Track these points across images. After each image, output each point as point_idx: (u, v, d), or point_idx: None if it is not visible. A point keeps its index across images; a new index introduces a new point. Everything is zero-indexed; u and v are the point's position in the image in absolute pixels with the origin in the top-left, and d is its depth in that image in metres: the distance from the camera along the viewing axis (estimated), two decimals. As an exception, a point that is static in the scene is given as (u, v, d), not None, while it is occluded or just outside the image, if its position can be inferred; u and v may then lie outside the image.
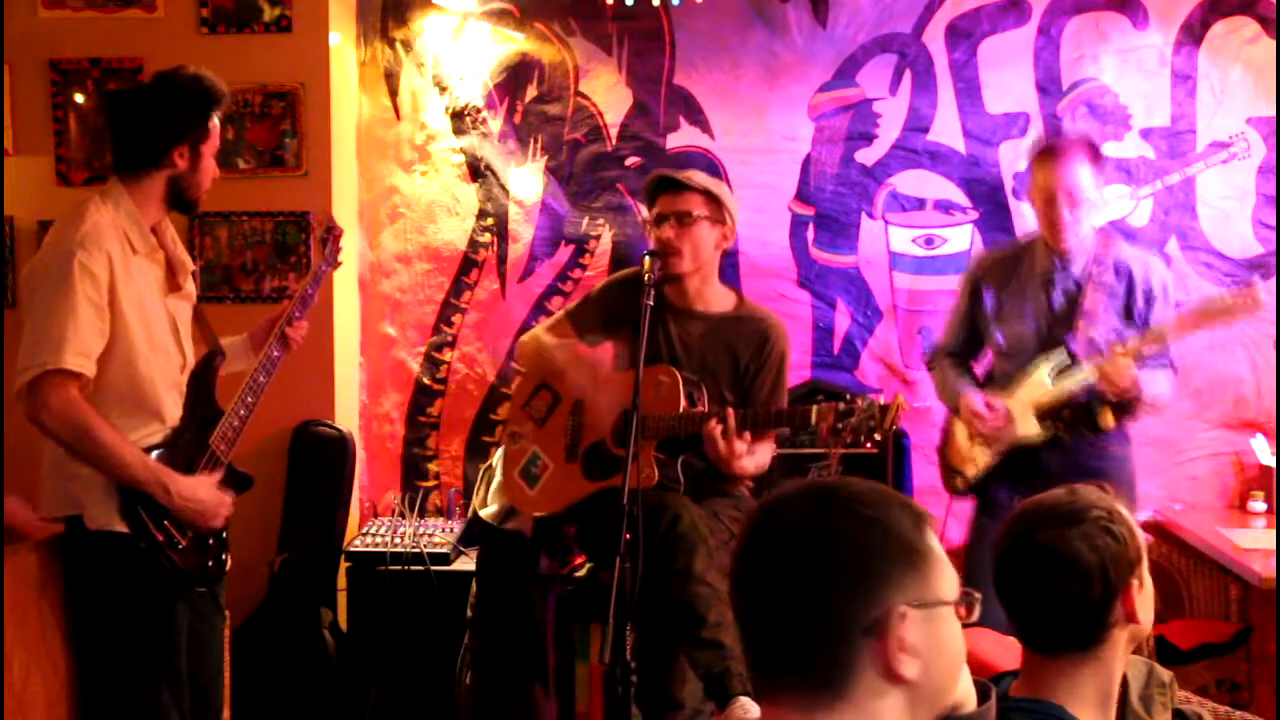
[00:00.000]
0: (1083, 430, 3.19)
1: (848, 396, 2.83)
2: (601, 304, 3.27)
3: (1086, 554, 1.61)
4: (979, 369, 3.45)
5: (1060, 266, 3.22)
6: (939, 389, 3.44)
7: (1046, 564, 1.62)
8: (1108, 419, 3.17)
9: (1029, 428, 3.20)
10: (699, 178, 3.13)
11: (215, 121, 2.62)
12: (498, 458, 3.60)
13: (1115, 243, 3.28)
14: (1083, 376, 3.13)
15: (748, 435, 2.92)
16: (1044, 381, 3.18)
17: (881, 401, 2.77)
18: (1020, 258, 3.32)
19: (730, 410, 2.92)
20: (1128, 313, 3.21)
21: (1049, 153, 3.16)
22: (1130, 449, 3.31)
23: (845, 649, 1.16)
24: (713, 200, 3.10)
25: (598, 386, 3.10)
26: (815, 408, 2.84)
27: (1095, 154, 3.17)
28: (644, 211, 3.38)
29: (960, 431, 3.35)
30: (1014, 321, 3.27)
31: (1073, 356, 3.17)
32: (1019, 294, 3.27)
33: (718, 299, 3.20)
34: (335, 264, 3.04)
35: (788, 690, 1.18)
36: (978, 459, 3.30)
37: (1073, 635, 1.64)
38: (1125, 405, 3.18)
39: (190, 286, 2.74)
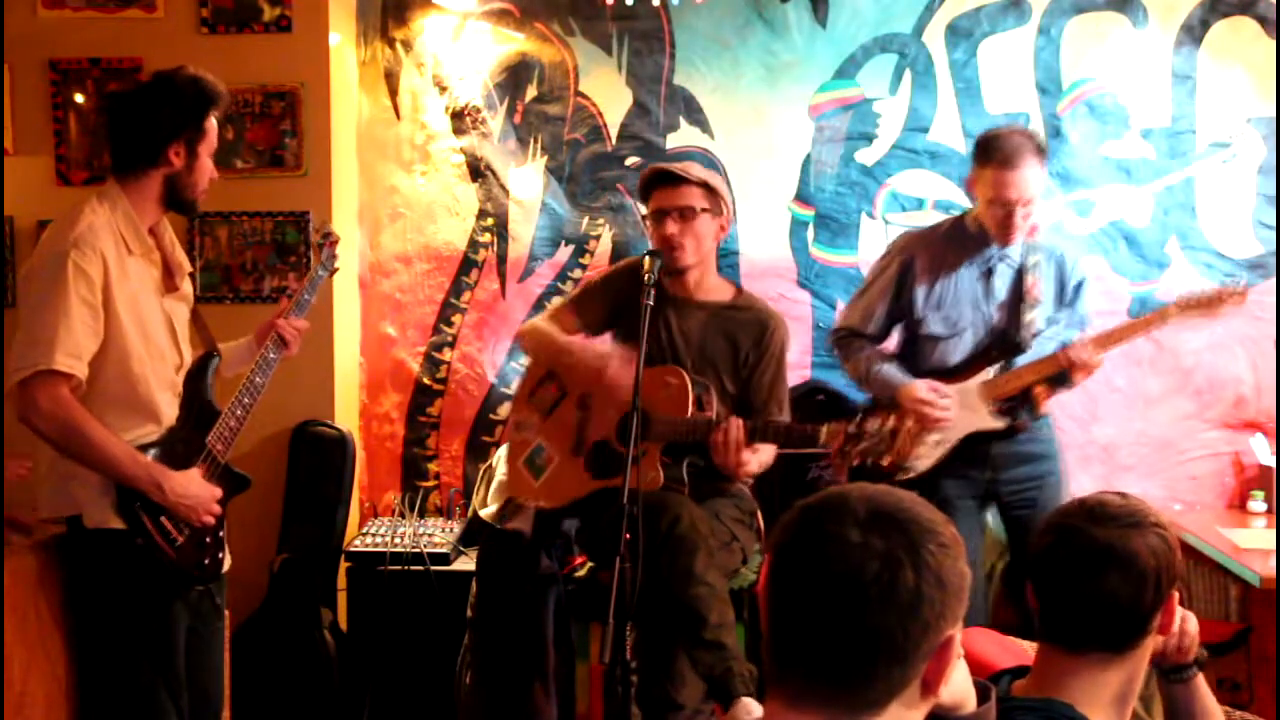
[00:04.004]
0: (1022, 417, 3.23)
1: (857, 419, 2.80)
2: (603, 293, 3.27)
3: (1148, 556, 1.62)
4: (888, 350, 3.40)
5: (999, 253, 3.22)
6: (859, 375, 3.33)
7: (1106, 562, 1.61)
8: (1044, 404, 3.22)
9: (986, 420, 3.20)
10: (696, 170, 3.15)
11: (213, 122, 2.62)
12: (498, 457, 3.60)
13: (1040, 228, 3.30)
14: (1041, 365, 3.15)
15: (756, 445, 2.92)
16: (990, 372, 3.19)
17: (891, 425, 2.76)
18: (953, 241, 3.29)
19: (738, 422, 2.91)
20: (1059, 298, 3.26)
21: (999, 159, 3.09)
22: (1055, 432, 3.37)
23: (901, 674, 1.16)
24: (710, 192, 3.12)
25: (604, 381, 3.08)
26: (825, 428, 2.84)
27: (1040, 150, 3.15)
28: (641, 209, 3.39)
29: (902, 422, 3.29)
30: (950, 307, 3.25)
31: (1017, 345, 3.18)
32: (954, 279, 3.25)
33: (717, 290, 3.22)
34: (332, 270, 3.04)
35: (821, 702, 1.16)
36: (925, 452, 3.22)
37: (1112, 635, 1.64)
38: (1057, 387, 3.22)
39: (187, 288, 2.74)
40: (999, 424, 3.20)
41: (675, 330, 3.13)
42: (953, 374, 3.23)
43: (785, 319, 3.26)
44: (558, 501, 3.12)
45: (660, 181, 3.13)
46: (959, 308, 3.24)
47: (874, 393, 3.32)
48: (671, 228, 3.08)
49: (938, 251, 3.28)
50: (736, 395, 3.15)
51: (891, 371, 3.27)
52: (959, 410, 3.17)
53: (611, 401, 3.06)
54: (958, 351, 3.24)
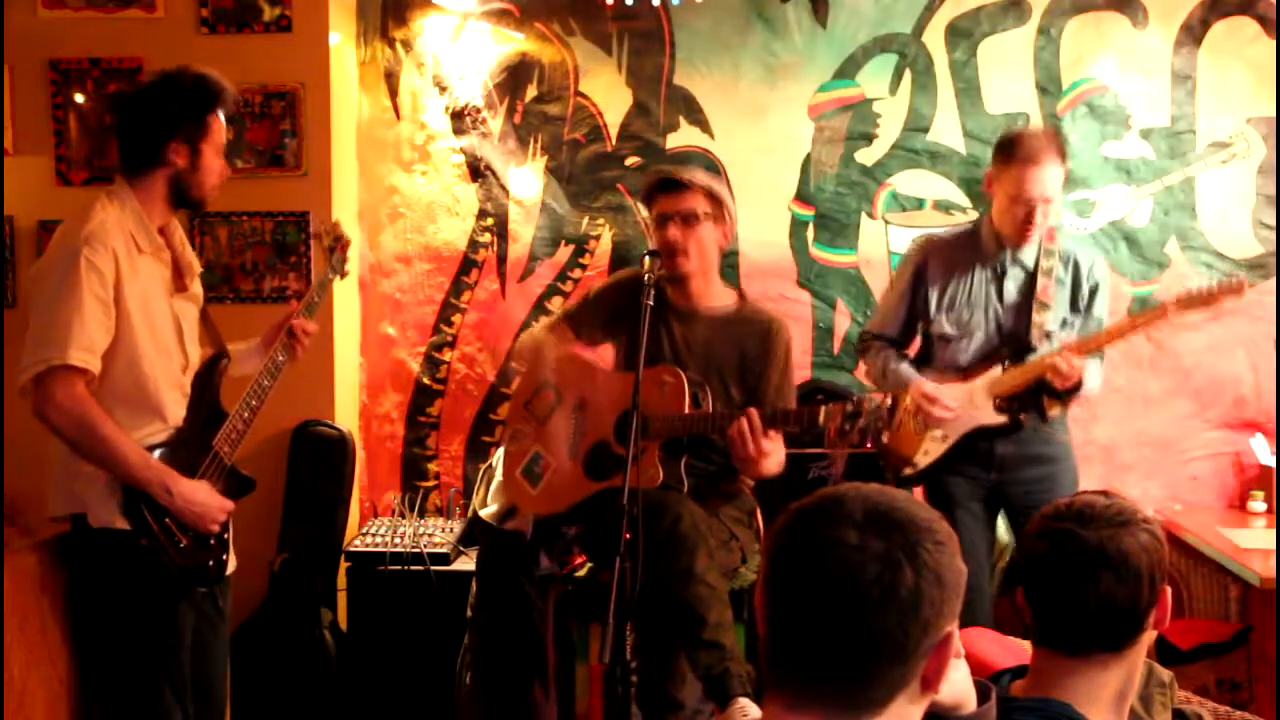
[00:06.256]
0: (1031, 418, 3.22)
1: (854, 398, 2.83)
2: (601, 305, 3.27)
3: (1139, 555, 1.62)
4: (909, 354, 3.43)
5: (1011, 256, 3.23)
6: (875, 374, 3.41)
7: (1099, 563, 1.61)
8: (1054, 407, 3.22)
9: (989, 415, 3.21)
10: (700, 176, 3.14)
11: (218, 118, 2.61)
12: (498, 458, 3.60)
13: (1059, 232, 3.31)
14: (1038, 365, 3.15)
15: (773, 434, 2.91)
16: (998, 370, 3.20)
17: (888, 401, 2.77)
18: (966, 244, 3.32)
19: (753, 410, 2.91)
20: (1073, 303, 3.26)
21: (1022, 156, 3.10)
22: (1070, 435, 3.36)
23: (902, 673, 1.16)
24: (714, 199, 3.11)
25: (599, 386, 3.10)
26: (823, 408, 2.83)
27: (1062, 150, 3.16)
28: (643, 211, 3.38)
29: (908, 418, 3.31)
30: (962, 309, 3.27)
31: (1027, 346, 3.19)
32: (967, 282, 3.27)
33: (720, 298, 3.20)
34: (343, 274, 3.04)
35: (822, 705, 1.16)
36: (929, 448, 3.29)
37: (1110, 635, 1.64)
38: (1067, 395, 3.21)
39: (197, 288, 2.75)
40: (999, 420, 3.21)
41: (679, 340, 3.12)
42: (963, 373, 3.26)
43: (787, 323, 3.25)
44: (558, 507, 3.11)
45: (664, 187, 3.13)
46: (970, 309, 3.26)
47: (888, 390, 3.34)
48: (674, 233, 3.07)
49: (952, 254, 3.32)
50: (743, 402, 3.13)
51: (903, 370, 3.32)
52: (963, 407, 3.20)
53: (606, 405, 3.07)
54: (968, 351, 3.27)
